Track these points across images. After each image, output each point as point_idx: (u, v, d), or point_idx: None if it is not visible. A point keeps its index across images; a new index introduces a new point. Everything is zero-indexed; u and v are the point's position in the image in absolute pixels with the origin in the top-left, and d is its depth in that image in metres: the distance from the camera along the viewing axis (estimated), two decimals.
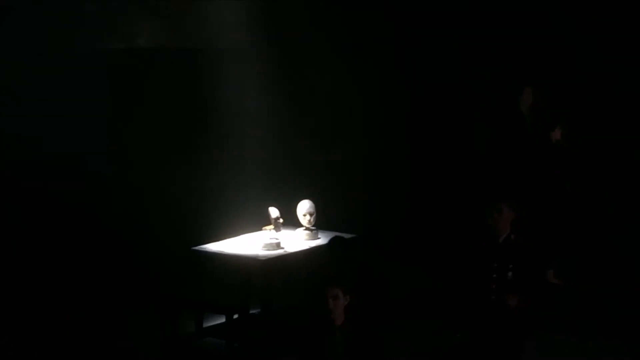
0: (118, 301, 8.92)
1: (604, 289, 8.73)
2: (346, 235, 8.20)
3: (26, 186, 8.92)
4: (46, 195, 9.05)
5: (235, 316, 7.85)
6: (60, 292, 8.82)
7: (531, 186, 8.88)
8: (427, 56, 10.49)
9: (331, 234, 8.39)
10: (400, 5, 10.46)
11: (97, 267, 9.14)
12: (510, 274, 6.89)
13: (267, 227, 8.10)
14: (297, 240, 8.19)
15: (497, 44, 10.11)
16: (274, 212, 8.11)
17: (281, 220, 8.11)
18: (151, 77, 9.80)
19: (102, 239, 9.24)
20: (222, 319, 8.00)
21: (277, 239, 7.97)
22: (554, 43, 9.81)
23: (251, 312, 7.97)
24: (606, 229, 9.47)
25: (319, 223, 8.32)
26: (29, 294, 8.69)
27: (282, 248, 7.90)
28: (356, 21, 10.53)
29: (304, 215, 8.18)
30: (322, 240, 8.22)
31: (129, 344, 8.02)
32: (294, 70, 10.54)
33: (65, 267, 8.94)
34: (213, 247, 8.09)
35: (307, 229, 8.24)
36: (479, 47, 10.29)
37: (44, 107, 9.12)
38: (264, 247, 7.89)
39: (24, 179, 8.89)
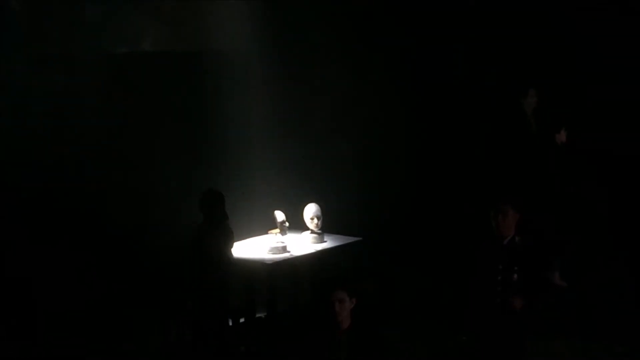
0: (124, 305, 8.94)
1: (607, 291, 8.74)
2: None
3: (30, 189, 8.93)
4: (50, 199, 9.06)
5: (242, 320, 7.87)
6: (64, 294, 8.84)
7: (535, 188, 8.88)
8: (431, 58, 10.50)
9: (337, 237, 8.42)
10: (404, 6, 10.47)
11: (102, 270, 9.15)
12: (515, 276, 6.90)
13: (273, 231, 8.11)
14: (304, 243, 8.20)
15: (500, 45, 10.12)
16: (279, 215, 8.13)
17: (287, 224, 8.12)
18: (155, 81, 9.81)
19: (106, 243, 9.26)
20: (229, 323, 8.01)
21: (283, 242, 7.98)
22: (557, 44, 9.81)
23: (257, 315, 7.99)
24: (609, 229, 9.47)
25: (324, 226, 8.33)
26: (32, 297, 8.71)
27: (289, 252, 7.92)
28: (360, 22, 10.55)
29: (312, 218, 8.19)
30: (328, 243, 8.23)
31: (134, 348, 8.03)
32: (299, 72, 10.54)
33: (69, 270, 8.96)
34: None
35: (313, 232, 8.25)
36: (482, 48, 10.29)
37: (48, 111, 9.14)
38: (270, 250, 7.91)
39: (27, 181, 8.90)
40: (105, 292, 9.03)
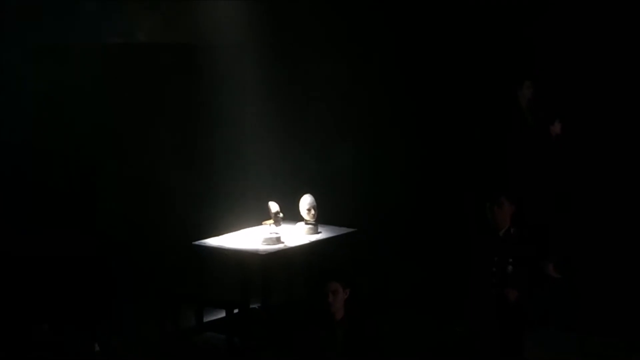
0: (118, 296, 8.93)
1: (603, 282, 8.72)
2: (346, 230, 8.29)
3: (23, 182, 8.90)
4: (44, 192, 9.04)
5: (236, 311, 7.85)
6: (60, 287, 8.82)
7: (531, 180, 8.87)
8: (426, 50, 10.47)
9: (331, 228, 8.41)
10: (400, 2, 10.45)
11: (97, 262, 9.13)
12: (510, 267, 6.90)
13: (267, 222, 8.09)
14: (298, 234, 8.19)
15: (495, 37, 10.09)
16: (273, 206, 8.10)
17: (281, 215, 8.10)
18: (149, 73, 9.79)
19: (101, 234, 9.24)
20: (222, 314, 8.00)
21: (277, 233, 7.96)
22: (553, 35, 9.79)
23: (251, 306, 7.97)
24: (606, 222, 9.45)
25: (318, 217, 8.31)
26: (27, 291, 8.69)
27: (282, 243, 7.90)
28: (355, 18, 10.52)
29: (308, 210, 8.17)
30: (322, 235, 8.22)
31: (128, 339, 8.02)
32: (294, 66, 10.53)
33: (64, 263, 8.93)
34: (213, 241, 8.08)
35: (307, 223, 8.23)
36: (477, 40, 10.27)
37: (41, 103, 9.11)
38: (264, 241, 7.88)
39: (21, 175, 8.87)
40: (103, 285, 9.02)
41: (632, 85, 9.44)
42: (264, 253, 7.73)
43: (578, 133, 9.06)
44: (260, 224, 8.21)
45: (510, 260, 6.90)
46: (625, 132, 9.42)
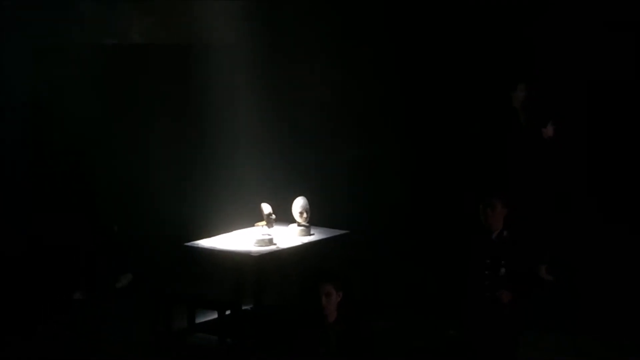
0: (110, 297, 8.92)
1: (598, 286, 8.74)
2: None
3: (19, 181, 8.90)
4: (38, 191, 9.04)
5: (228, 312, 7.85)
6: (52, 287, 8.81)
7: (524, 182, 8.88)
8: (421, 52, 10.48)
9: (324, 230, 8.41)
10: (396, 2, 10.46)
11: (89, 262, 9.12)
12: (503, 270, 6.90)
13: (260, 224, 8.09)
14: (290, 236, 8.19)
15: (490, 39, 10.10)
16: (266, 208, 8.11)
17: (274, 217, 8.10)
18: (144, 73, 9.79)
19: (94, 234, 9.23)
20: (215, 315, 7.99)
21: (269, 235, 7.96)
22: (546, 38, 9.80)
23: (243, 308, 7.96)
24: (601, 223, 9.46)
25: (311, 219, 8.32)
26: (20, 289, 8.69)
27: (275, 244, 7.89)
28: (350, 17, 10.53)
29: (301, 212, 8.17)
30: (315, 236, 8.22)
31: (121, 340, 8.01)
32: (289, 66, 10.52)
33: (56, 263, 8.93)
34: (205, 243, 8.08)
35: (300, 225, 8.23)
36: (472, 42, 10.28)
37: (37, 103, 9.10)
38: (256, 243, 7.87)
39: (16, 174, 8.87)
40: (95, 285, 9.02)
41: (628, 87, 9.46)
42: (257, 254, 7.71)
43: (571, 135, 9.07)
44: (253, 226, 8.21)
45: (503, 262, 6.90)
46: (620, 135, 9.44)
